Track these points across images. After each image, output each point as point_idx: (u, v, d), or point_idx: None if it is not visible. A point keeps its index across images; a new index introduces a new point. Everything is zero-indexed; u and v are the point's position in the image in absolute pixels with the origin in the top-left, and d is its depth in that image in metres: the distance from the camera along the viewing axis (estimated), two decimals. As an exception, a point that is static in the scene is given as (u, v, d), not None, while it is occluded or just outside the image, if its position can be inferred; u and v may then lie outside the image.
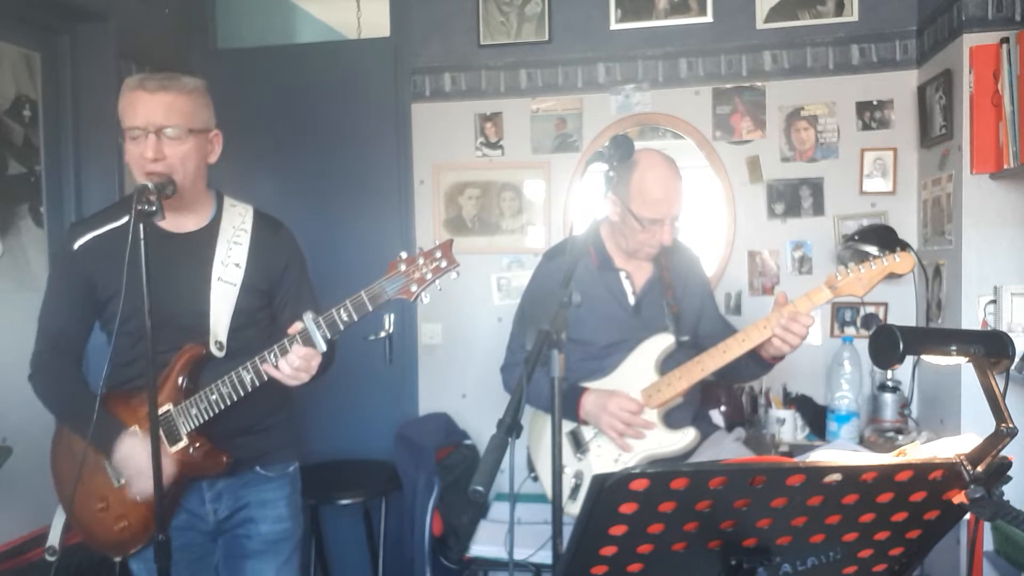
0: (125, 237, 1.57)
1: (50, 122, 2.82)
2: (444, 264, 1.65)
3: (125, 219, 1.57)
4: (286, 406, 1.99)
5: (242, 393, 1.76)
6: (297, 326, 1.72)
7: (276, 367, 1.72)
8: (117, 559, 1.89)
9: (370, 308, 1.67)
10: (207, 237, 1.87)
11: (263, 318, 1.92)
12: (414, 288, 1.65)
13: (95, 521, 1.86)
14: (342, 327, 1.69)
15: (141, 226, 1.56)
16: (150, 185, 1.62)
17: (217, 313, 1.83)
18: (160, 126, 1.72)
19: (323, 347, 1.70)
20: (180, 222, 1.86)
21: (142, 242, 1.56)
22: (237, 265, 1.86)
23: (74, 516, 1.88)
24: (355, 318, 1.68)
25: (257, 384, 1.75)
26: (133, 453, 1.75)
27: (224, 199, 1.94)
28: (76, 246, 1.83)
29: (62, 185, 2.86)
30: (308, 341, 1.70)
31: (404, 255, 1.67)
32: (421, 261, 1.65)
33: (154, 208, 1.58)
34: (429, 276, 1.65)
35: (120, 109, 1.76)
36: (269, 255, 1.91)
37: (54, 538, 1.90)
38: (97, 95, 2.87)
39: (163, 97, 1.73)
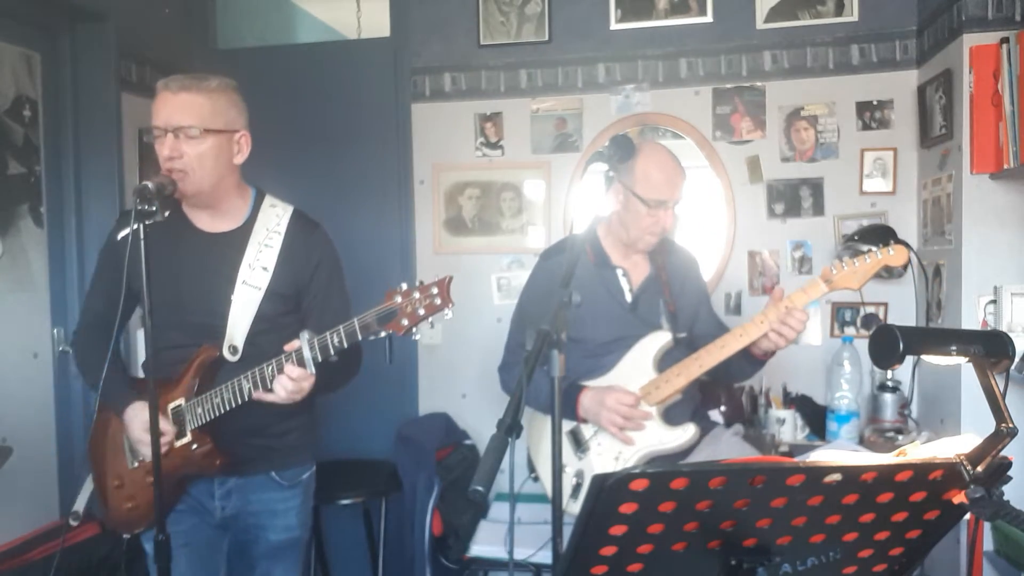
0: (159, 232, 1.64)
1: (50, 122, 2.81)
2: (438, 302, 1.63)
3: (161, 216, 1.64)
4: (305, 409, 1.96)
5: (239, 401, 1.78)
6: (294, 344, 1.72)
7: (270, 389, 1.73)
8: (126, 536, 1.99)
9: (359, 338, 1.67)
10: (238, 239, 1.89)
11: (289, 323, 1.89)
12: (405, 323, 1.64)
13: (111, 495, 1.96)
14: (332, 351, 1.69)
15: (142, 225, 1.60)
16: (149, 185, 1.64)
17: (236, 317, 1.85)
18: (177, 126, 1.76)
19: (311, 369, 1.70)
20: (214, 222, 1.90)
21: (142, 242, 1.60)
22: (264, 269, 1.87)
23: (99, 485, 1.98)
24: (345, 345, 1.68)
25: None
26: (131, 424, 1.85)
27: (265, 199, 1.96)
28: (119, 237, 1.87)
29: (62, 185, 2.86)
30: (302, 360, 1.70)
31: (404, 286, 1.65)
32: (416, 296, 1.63)
33: (153, 208, 1.61)
34: (421, 312, 1.63)
35: (152, 111, 1.81)
36: (299, 258, 1.91)
37: (80, 504, 2.04)
38: (97, 95, 2.87)
39: (183, 97, 1.77)
